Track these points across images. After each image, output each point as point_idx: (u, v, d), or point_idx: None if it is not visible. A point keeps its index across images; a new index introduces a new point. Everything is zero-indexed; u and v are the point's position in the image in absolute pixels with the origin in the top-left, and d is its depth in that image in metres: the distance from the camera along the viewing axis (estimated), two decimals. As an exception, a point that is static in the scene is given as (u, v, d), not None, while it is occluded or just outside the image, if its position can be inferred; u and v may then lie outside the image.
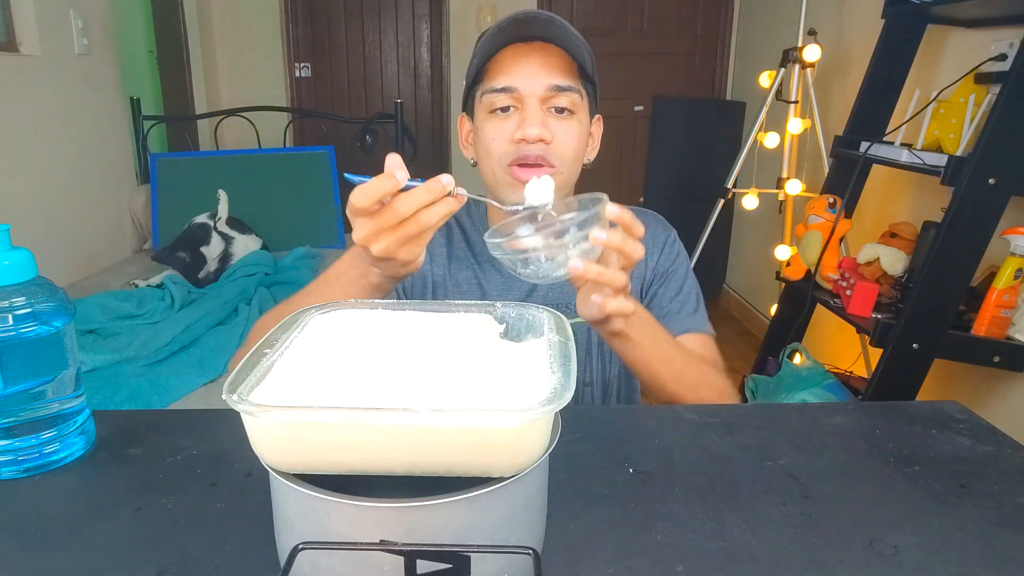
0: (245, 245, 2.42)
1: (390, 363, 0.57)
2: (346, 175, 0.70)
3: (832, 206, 1.99)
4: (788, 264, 2.24)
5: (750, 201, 2.85)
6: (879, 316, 1.75)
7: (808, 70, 2.55)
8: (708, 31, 4.04)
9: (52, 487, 0.66)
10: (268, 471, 0.48)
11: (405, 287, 1.04)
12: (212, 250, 2.33)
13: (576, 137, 0.93)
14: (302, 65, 4.09)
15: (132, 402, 1.49)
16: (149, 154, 2.78)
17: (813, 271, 2.01)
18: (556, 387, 0.47)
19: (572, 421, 0.78)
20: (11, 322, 0.64)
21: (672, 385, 0.88)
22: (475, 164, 1.00)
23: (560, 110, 0.91)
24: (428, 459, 0.47)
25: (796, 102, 2.59)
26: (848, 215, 2.06)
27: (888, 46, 1.98)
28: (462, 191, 0.69)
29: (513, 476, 0.47)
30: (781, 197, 2.71)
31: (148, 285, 2.18)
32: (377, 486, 0.47)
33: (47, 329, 0.67)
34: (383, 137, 3.03)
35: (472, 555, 0.43)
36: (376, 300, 0.68)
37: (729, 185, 2.71)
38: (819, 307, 2.04)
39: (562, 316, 0.61)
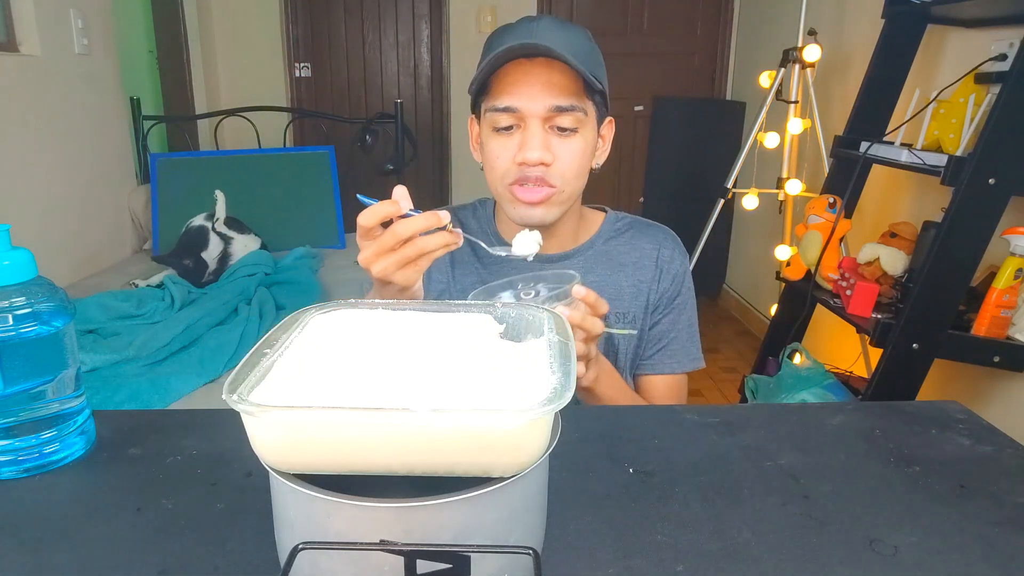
0: (244, 245, 2.42)
1: (390, 363, 0.57)
2: (358, 196, 0.76)
3: (832, 206, 1.99)
4: (788, 264, 2.24)
5: (750, 201, 2.85)
6: (879, 316, 1.75)
7: (808, 70, 2.55)
8: (708, 31, 4.04)
9: (52, 487, 0.66)
10: (268, 471, 0.48)
11: None
12: (210, 252, 2.33)
13: (579, 155, 0.92)
14: (302, 65, 4.09)
15: (132, 402, 1.49)
16: (149, 154, 2.78)
17: (813, 271, 2.01)
18: (556, 387, 0.47)
19: (572, 421, 0.78)
20: (11, 322, 0.64)
21: None
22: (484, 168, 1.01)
23: (563, 129, 0.91)
24: (428, 459, 0.47)
25: (796, 102, 2.59)
26: (848, 215, 2.06)
27: (888, 46, 1.98)
28: (459, 231, 0.76)
29: (513, 476, 0.47)
30: (781, 197, 2.71)
31: (148, 285, 2.18)
32: (377, 486, 0.47)
33: (47, 329, 0.67)
34: (383, 137, 3.03)
35: (472, 555, 0.43)
36: (376, 300, 0.68)
37: (729, 185, 2.71)
38: (819, 307, 2.04)
39: (562, 316, 0.61)
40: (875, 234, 1.94)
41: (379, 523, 0.45)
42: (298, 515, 0.48)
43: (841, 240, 2.12)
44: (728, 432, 0.78)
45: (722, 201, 2.73)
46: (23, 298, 0.66)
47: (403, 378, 0.55)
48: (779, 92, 2.60)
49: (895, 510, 0.64)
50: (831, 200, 2.00)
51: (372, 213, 0.73)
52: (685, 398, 1.11)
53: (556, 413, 0.48)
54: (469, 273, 1.05)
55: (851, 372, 2.17)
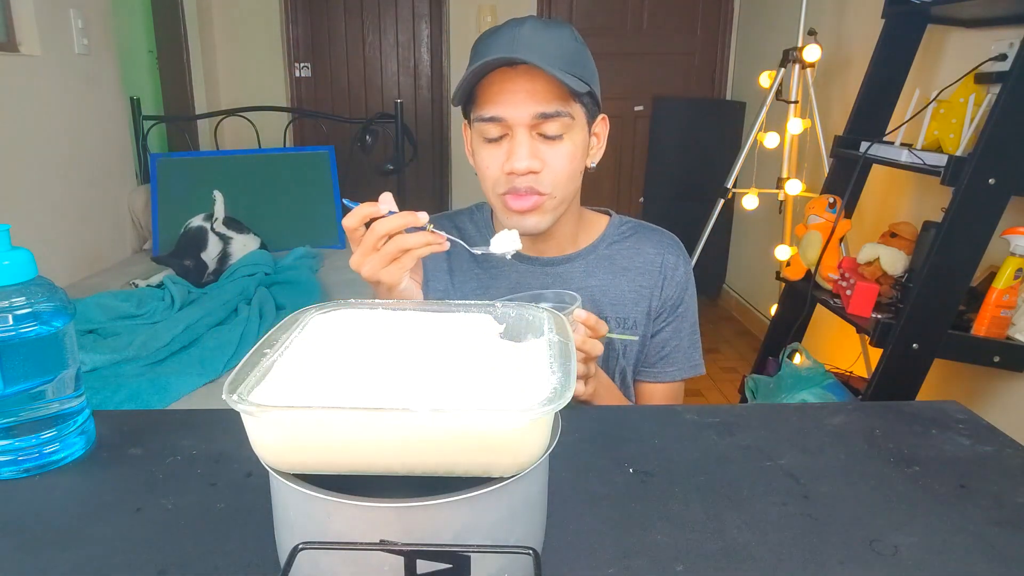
0: (244, 244, 2.42)
1: (390, 363, 0.57)
2: (344, 201, 0.82)
3: (832, 206, 1.99)
4: (788, 264, 2.24)
5: (750, 201, 2.85)
6: (879, 316, 1.75)
7: (808, 70, 2.55)
8: (708, 31, 4.04)
9: (52, 487, 0.66)
10: (268, 471, 0.48)
11: None
12: (209, 252, 2.33)
13: (568, 160, 0.92)
14: (302, 65, 4.09)
15: (132, 402, 1.49)
16: (149, 154, 2.78)
17: (813, 271, 2.01)
18: (556, 387, 0.47)
19: (572, 421, 0.78)
20: (11, 322, 0.64)
21: None
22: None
23: (550, 136, 0.90)
24: (428, 459, 0.47)
25: (796, 102, 2.59)
26: (848, 215, 2.06)
27: (888, 46, 1.98)
28: (442, 233, 0.78)
29: (513, 476, 0.47)
30: (781, 197, 2.71)
31: (148, 285, 2.18)
32: (377, 486, 0.47)
33: (47, 329, 0.67)
34: (383, 137, 3.03)
35: (472, 555, 0.43)
36: (376, 300, 0.68)
37: (729, 185, 2.71)
38: (819, 307, 2.04)
39: (562, 316, 0.61)
40: (875, 234, 1.94)
41: (379, 523, 0.45)
42: (298, 515, 0.48)
43: (841, 240, 2.12)
44: (728, 432, 0.78)
45: (722, 201, 2.73)
46: (23, 298, 0.66)
47: (403, 378, 0.55)
48: (779, 92, 2.59)
49: (895, 510, 0.64)
50: (831, 200, 2.00)
51: (354, 215, 0.77)
52: (681, 399, 1.12)
53: (556, 413, 0.48)
54: (470, 279, 1.05)
55: (851, 372, 2.17)
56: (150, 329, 1.76)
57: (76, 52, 2.31)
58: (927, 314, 1.60)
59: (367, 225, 0.77)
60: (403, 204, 0.80)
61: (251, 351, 0.53)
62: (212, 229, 2.39)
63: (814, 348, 2.51)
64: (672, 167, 3.91)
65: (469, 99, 0.93)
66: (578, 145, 0.93)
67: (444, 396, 0.53)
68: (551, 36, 0.88)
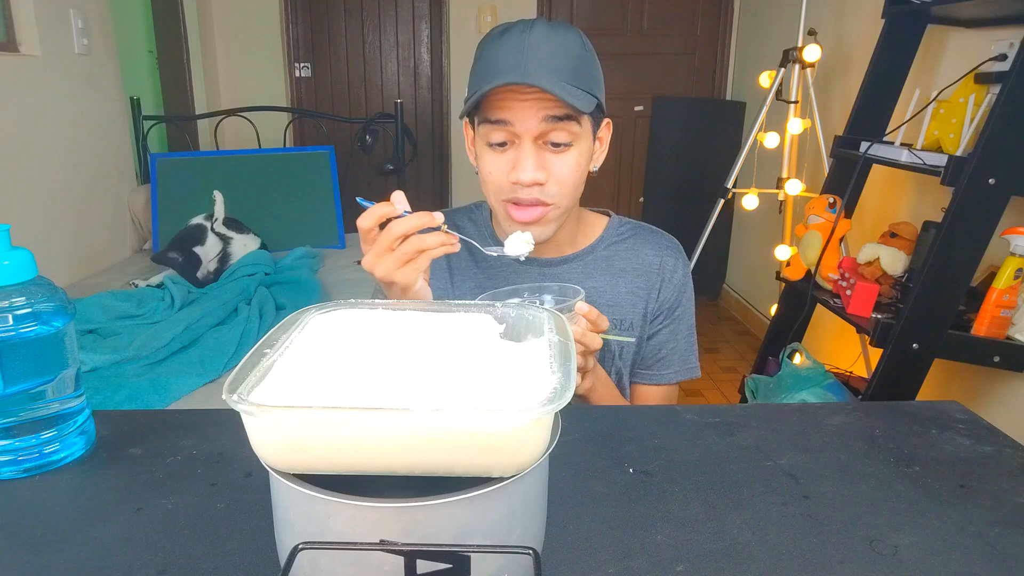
0: (244, 244, 2.42)
1: (390, 363, 0.57)
2: (357, 199, 0.80)
3: (832, 206, 1.99)
4: (788, 264, 2.24)
5: (750, 201, 2.85)
6: (879, 316, 1.75)
7: (808, 70, 2.55)
8: (708, 31, 4.04)
9: (52, 487, 0.66)
10: (268, 471, 0.48)
11: None
12: (208, 251, 2.33)
13: (574, 169, 0.92)
14: (302, 65, 4.09)
15: (132, 402, 1.49)
16: (149, 154, 2.78)
17: (813, 271, 2.01)
18: (556, 387, 0.47)
19: (572, 421, 0.78)
20: (11, 322, 0.64)
21: None
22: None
23: (557, 144, 0.90)
24: (428, 459, 0.47)
25: (796, 102, 2.59)
26: (848, 215, 2.06)
27: (888, 46, 1.98)
28: (454, 234, 0.78)
29: (513, 476, 0.47)
30: (781, 197, 2.71)
31: (148, 285, 2.18)
32: (377, 486, 0.47)
33: (47, 329, 0.67)
34: (383, 137, 3.03)
35: (472, 555, 0.43)
36: (376, 300, 0.68)
37: (729, 185, 2.71)
38: (819, 307, 2.04)
39: (562, 316, 0.61)
40: (875, 234, 1.94)
41: (379, 523, 0.45)
42: (298, 515, 0.48)
43: (841, 240, 2.12)
44: (728, 432, 0.78)
45: (722, 201, 2.73)
46: (23, 298, 0.66)
47: (403, 378, 0.55)
48: (779, 92, 2.60)
49: (895, 510, 0.64)
50: (831, 200, 2.00)
51: (369, 215, 0.76)
52: (676, 401, 1.12)
53: (556, 413, 0.48)
54: (468, 279, 1.05)
55: (851, 372, 2.17)
56: (150, 329, 1.76)
57: (76, 52, 2.31)
58: (927, 314, 1.60)
59: (381, 225, 0.77)
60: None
61: (251, 351, 0.53)
62: (212, 229, 2.39)
63: (814, 348, 2.51)
64: (672, 167, 3.91)
65: (474, 107, 0.92)
66: (583, 154, 0.93)
67: (444, 396, 0.53)
68: (560, 44, 0.87)
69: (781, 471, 0.70)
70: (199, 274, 2.29)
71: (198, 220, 2.43)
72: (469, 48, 3.99)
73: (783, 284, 2.23)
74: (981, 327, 1.58)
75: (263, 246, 2.48)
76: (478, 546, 0.45)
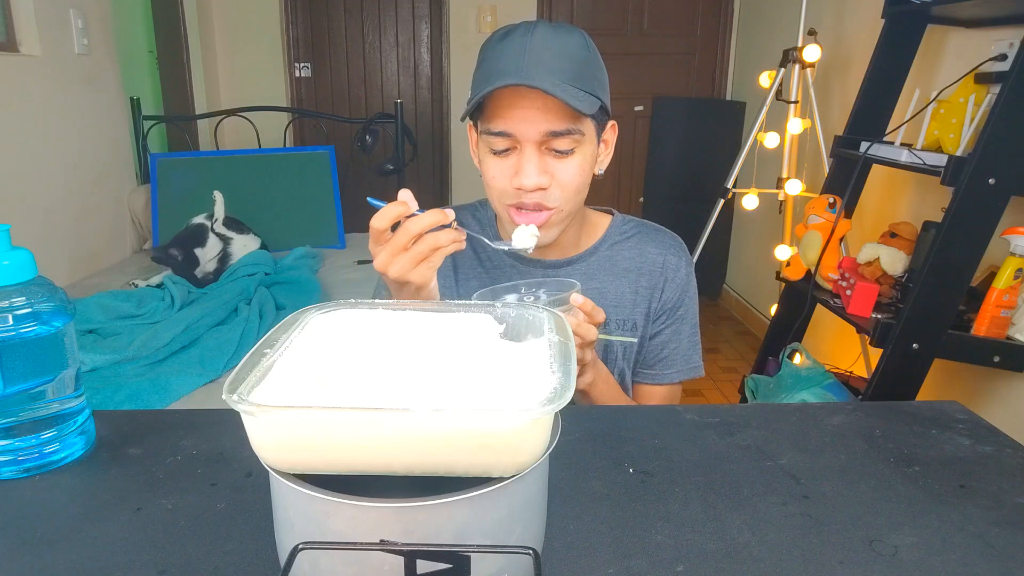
0: (244, 245, 2.42)
1: (390, 363, 0.57)
2: (369, 199, 0.79)
3: (832, 206, 1.99)
4: (788, 264, 2.24)
5: (750, 201, 2.85)
6: (879, 316, 1.75)
7: (808, 70, 2.55)
8: (708, 31, 4.04)
9: (52, 487, 0.66)
10: (268, 471, 0.48)
11: None
12: (208, 252, 2.33)
13: (577, 175, 0.91)
14: (302, 65, 4.09)
15: (132, 402, 1.49)
16: (149, 154, 2.78)
17: (813, 271, 2.01)
18: (556, 387, 0.47)
19: (572, 421, 0.78)
20: (11, 322, 0.64)
21: None
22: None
23: (560, 151, 0.89)
24: (428, 459, 0.47)
25: (796, 102, 2.59)
26: (848, 215, 2.06)
27: (888, 46, 1.98)
28: (463, 230, 0.78)
29: (513, 476, 0.47)
30: (781, 197, 2.71)
31: (148, 285, 2.18)
32: (377, 486, 0.47)
33: (47, 329, 0.67)
34: (383, 137, 3.03)
35: (472, 555, 0.43)
36: (376, 300, 0.68)
37: (729, 185, 2.71)
38: (819, 307, 2.04)
39: (562, 316, 0.61)
40: (875, 234, 1.94)
41: (379, 523, 0.45)
42: (298, 515, 0.48)
43: (841, 240, 2.12)
44: (728, 432, 0.78)
45: (722, 201, 2.73)
46: (23, 298, 0.66)
47: (403, 378, 0.55)
48: (779, 92, 2.59)
49: (895, 510, 0.64)
50: (831, 200, 2.00)
51: (384, 215, 0.75)
52: (679, 399, 1.11)
53: (556, 413, 0.48)
54: (472, 278, 1.05)
55: (851, 372, 2.17)
56: (150, 329, 1.76)
57: (76, 52, 2.31)
58: (927, 314, 1.60)
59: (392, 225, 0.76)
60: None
61: (251, 351, 0.53)
62: (212, 229, 2.39)
63: (814, 348, 2.51)
64: (672, 167, 3.91)
65: (477, 108, 0.92)
66: (587, 158, 0.92)
67: (444, 396, 0.53)
68: (562, 46, 0.86)
69: (781, 471, 0.70)
70: (198, 274, 2.29)
71: (199, 220, 2.43)
72: (469, 48, 3.99)
73: (783, 284, 2.23)
74: (981, 327, 1.58)
75: (263, 246, 2.48)
76: (478, 546, 0.45)
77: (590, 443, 0.75)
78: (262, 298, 2.03)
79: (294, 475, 0.47)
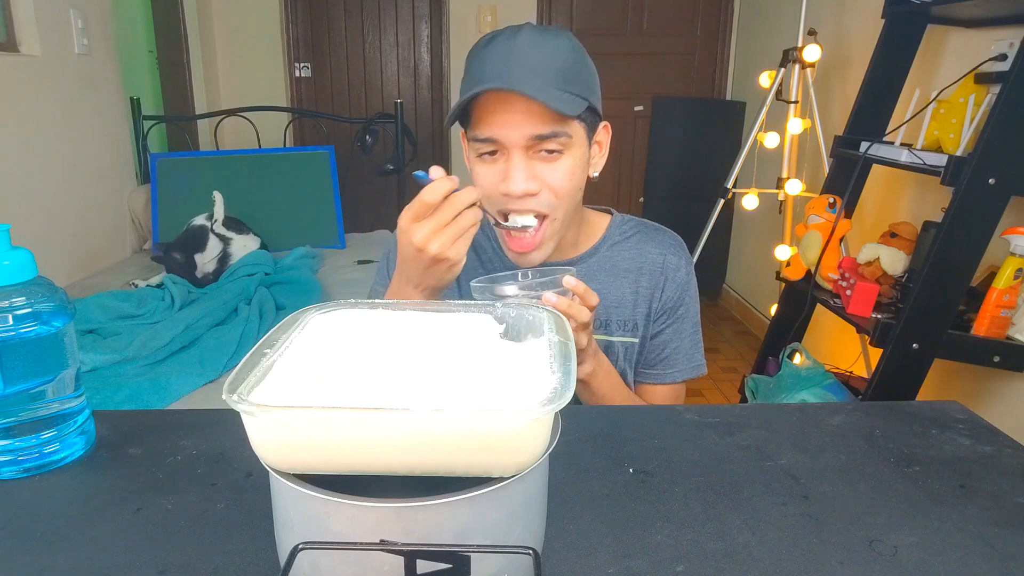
0: (244, 245, 2.42)
1: (390, 363, 0.57)
2: (416, 174, 0.79)
3: (832, 206, 1.99)
4: (788, 264, 2.24)
5: (750, 201, 2.85)
6: (879, 316, 1.75)
7: (808, 70, 2.55)
8: (708, 31, 4.04)
9: (52, 487, 0.66)
10: (268, 471, 0.48)
11: None
12: (207, 255, 2.33)
13: (567, 176, 0.90)
14: (302, 65, 4.09)
15: (132, 402, 1.49)
16: (149, 154, 2.78)
17: (813, 271, 2.01)
18: (556, 387, 0.47)
19: (572, 421, 0.78)
20: (11, 322, 0.64)
21: None
22: None
23: (549, 151, 0.88)
24: (428, 459, 0.47)
25: (796, 102, 2.59)
26: (848, 215, 2.06)
27: (888, 46, 1.98)
28: (479, 206, 0.80)
29: (513, 476, 0.47)
30: (781, 197, 2.71)
31: (148, 285, 2.18)
32: (377, 486, 0.47)
33: (47, 329, 0.67)
34: (383, 137, 3.03)
35: (472, 555, 0.43)
36: (376, 300, 0.68)
37: (729, 185, 2.71)
38: (819, 307, 2.04)
39: (562, 316, 0.61)
40: (875, 234, 1.94)
41: (379, 523, 0.45)
42: (298, 515, 0.48)
43: (841, 240, 2.12)
44: (728, 432, 0.78)
45: (722, 201, 2.73)
46: (23, 298, 0.66)
47: (403, 378, 0.55)
48: (779, 92, 2.59)
49: (895, 510, 0.64)
50: (831, 200, 2.00)
51: (438, 188, 0.75)
52: (682, 399, 1.11)
53: (556, 413, 0.48)
54: (474, 278, 1.05)
55: (851, 372, 2.17)
56: (150, 329, 1.76)
57: (76, 52, 2.31)
58: (927, 314, 1.60)
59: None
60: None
61: (251, 351, 0.53)
62: (212, 230, 2.39)
63: (814, 348, 2.51)
64: (672, 167, 3.91)
65: (464, 114, 0.91)
66: (578, 160, 0.91)
67: (444, 396, 0.53)
68: (548, 49, 0.85)
69: (781, 471, 0.70)
70: (198, 274, 2.29)
71: (200, 221, 2.43)
72: (469, 48, 3.97)
73: (783, 284, 2.23)
74: (981, 327, 1.58)
75: (263, 246, 2.48)
76: (478, 546, 0.45)
77: (590, 443, 0.75)
78: (262, 298, 2.03)
79: (294, 475, 0.47)
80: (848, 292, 1.81)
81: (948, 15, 1.90)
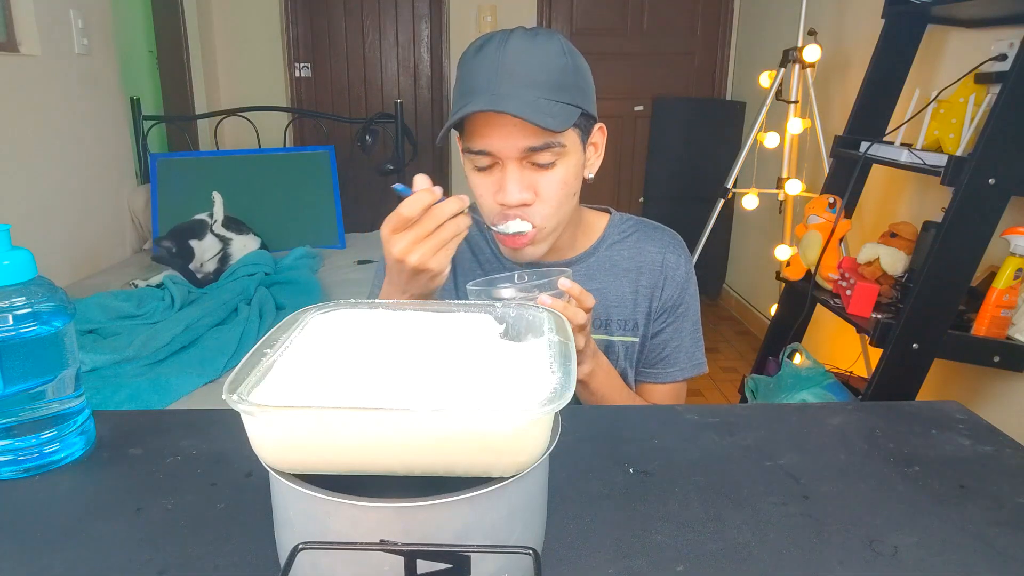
0: (243, 245, 2.42)
1: (390, 363, 0.57)
2: (395, 187, 0.79)
3: (832, 206, 1.99)
4: (788, 264, 2.24)
5: (750, 201, 2.85)
6: (879, 316, 1.75)
7: (808, 70, 2.55)
8: (708, 31, 4.04)
9: (52, 487, 0.66)
10: (268, 471, 0.48)
11: None
12: (206, 249, 2.33)
13: (561, 185, 0.90)
14: (302, 65, 4.09)
15: (132, 402, 1.49)
16: (149, 154, 2.78)
17: (813, 271, 2.01)
18: (556, 387, 0.47)
19: (572, 421, 0.78)
20: (11, 322, 0.64)
21: None
22: None
23: (542, 164, 0.88)
24: (428, 459, 0.47)
25: (796, 102, 2.59)
26: (848, 215, 2.06)
27: (888, 46, 1.98)
28: (469, 214, 0.79)
29: (513, 476, 0.47)
30: (781, 197, 2.71)
31: (148, 285, 2.18)
32: (377, 486, 0.47)
33: (47, 329, 0.67)
34: (383, 137, 3.03)
35: (472, 555, 0.43)
36: (376, 300, 0.68)
37: (729, 185, 2.71)
38: (819, 307, 2.04)
39: (562, 316, 0.61)
40: (875, 234, 1.94)
41: (379, 523, 0.45)
42: (298, 515, 0.48)
43: (841, 240, 2.12)
44: (728, 432, 0.78)
45: (722, 201, 2.73)
46: (23, 298, 0.66)
47: (403, 378, 0.55)
48: (779, 92, 2.59)
49: (895, 510, 0.64)
50: (831, 200, 2.00)
51: (417, 202, 0.75)
52: (684, 398, 1.11)
53: (556, 413, 0.48)
54: (470, 278, 1.05)
55: (851, 372, 2.17)
56: (150, 329, 1.76)
57: (76, 52, 2.31)
58: (927, 314, 1.60)
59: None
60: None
61: (251, 351, 0.53)
62: (212, 230, 2.40)
63: (814, 348, 2.51)
64: (672, 167, 3.91)
65: (458, 123, 0.91)
66: (571, 168, 0.91)
67: (444, 396, 0.53)
68: (538, 57, 0.85)
69: (781, 471, 0.70)
70: (193, 267, 2.28)
71: (201, 216, 2.43)
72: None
73: (783, 284, 2.23)
74: (981, 327, 1.58)
75: (263, 246, 2.48)
76: (478, 546, 0.45)
77: (590, 443, 0.75)
78: (262, 298, 2.03)
79: (294, 475, 0.47)
80: (848, 292, 1.81)
81: (948, 15, 1.90)
